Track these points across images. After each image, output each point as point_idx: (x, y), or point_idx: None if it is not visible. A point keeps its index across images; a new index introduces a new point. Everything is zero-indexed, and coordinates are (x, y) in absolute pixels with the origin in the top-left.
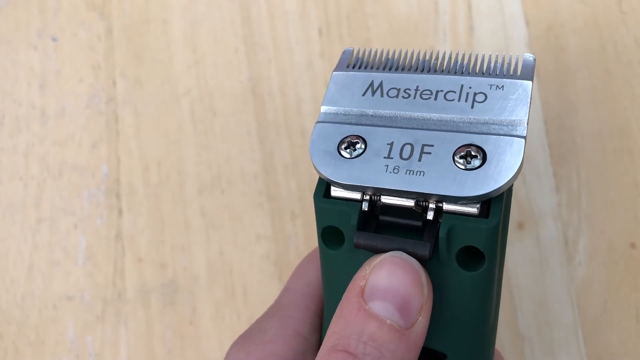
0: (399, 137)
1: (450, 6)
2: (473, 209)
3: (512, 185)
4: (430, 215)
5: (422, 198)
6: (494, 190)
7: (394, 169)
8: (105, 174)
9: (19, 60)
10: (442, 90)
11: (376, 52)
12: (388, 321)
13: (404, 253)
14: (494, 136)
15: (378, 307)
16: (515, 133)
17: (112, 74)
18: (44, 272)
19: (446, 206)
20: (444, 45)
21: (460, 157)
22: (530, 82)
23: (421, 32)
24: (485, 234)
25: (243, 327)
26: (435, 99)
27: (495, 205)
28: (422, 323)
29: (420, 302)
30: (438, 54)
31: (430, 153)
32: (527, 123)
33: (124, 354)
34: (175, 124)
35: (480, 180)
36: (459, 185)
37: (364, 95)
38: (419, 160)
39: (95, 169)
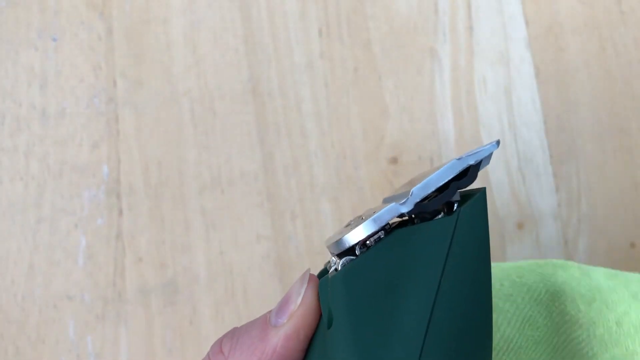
0: (367, 213)
1: (450, 6)
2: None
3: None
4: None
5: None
6: (334, 243)
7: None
8: (106, 174)
9: (19, 60)
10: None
11: None
12: (268, 315)
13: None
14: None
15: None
16: (380, 220)
17: (112, 74)
18: (44, 272)
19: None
20: (444, 46)
21: (352, 222)
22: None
23: (421, 32)
24: (323, 287)
25: None
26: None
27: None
28: (285, 328)
29: (291, 309)
30: None
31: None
32: (379, 225)
33: (124, 354)
34: (175, 124)
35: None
36: (329, 240)
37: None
38: (347, 226)
39: (96, 169)
